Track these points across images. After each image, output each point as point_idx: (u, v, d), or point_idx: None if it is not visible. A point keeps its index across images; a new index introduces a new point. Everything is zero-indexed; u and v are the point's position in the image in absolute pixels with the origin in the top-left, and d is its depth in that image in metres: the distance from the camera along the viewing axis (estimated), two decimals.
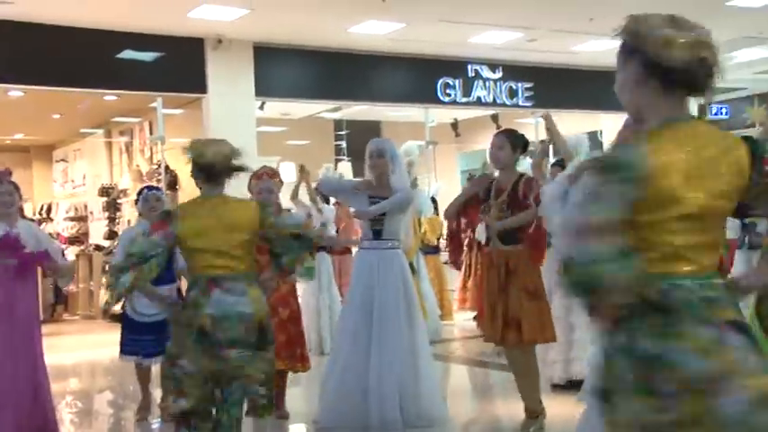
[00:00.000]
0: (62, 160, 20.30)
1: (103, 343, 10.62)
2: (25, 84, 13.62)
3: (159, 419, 7.65)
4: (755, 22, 14.57)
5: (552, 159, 9.17)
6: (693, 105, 6.52)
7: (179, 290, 7.69)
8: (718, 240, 2.90)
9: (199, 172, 5.32)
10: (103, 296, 16.51)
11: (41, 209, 19.68)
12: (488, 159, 7.60)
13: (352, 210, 7.75)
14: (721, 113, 18.14)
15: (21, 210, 7.40)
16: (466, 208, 7.09)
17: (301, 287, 9.38)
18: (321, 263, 10.89)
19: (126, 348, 7.65)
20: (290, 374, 7.40)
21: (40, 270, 7.27)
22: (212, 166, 5.27)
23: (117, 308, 10.38)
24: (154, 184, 12.66)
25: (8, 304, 6.74)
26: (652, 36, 2.79)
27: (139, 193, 8.00)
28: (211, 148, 5.34)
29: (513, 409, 7.31)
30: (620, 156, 2.73)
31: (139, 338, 7.54)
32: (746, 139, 2.94)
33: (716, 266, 2.84)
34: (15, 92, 14.44)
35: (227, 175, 5.35)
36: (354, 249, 11.53)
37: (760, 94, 16.28)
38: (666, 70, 2.78)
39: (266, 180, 7.28)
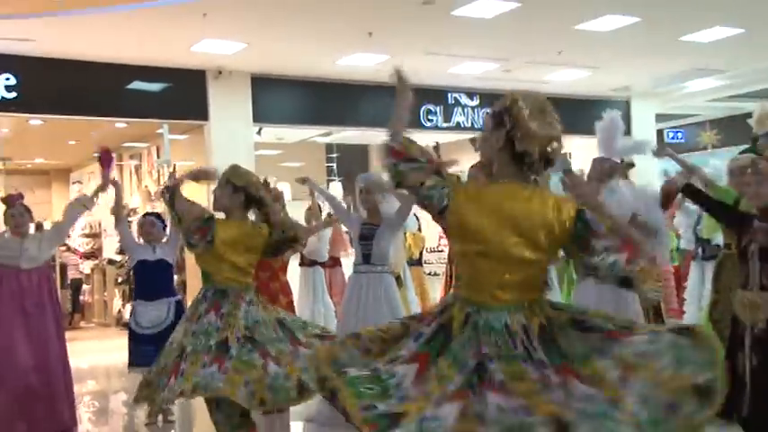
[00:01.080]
0: (78, 182, 20.38)
1: (117, 348, 10.62)
2: (45, 113, 13.73)
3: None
4: (706, 56, 14.66)
5: None
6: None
7: (180, 302, 7.64)
8: (524, 280, 3.29)
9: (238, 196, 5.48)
10: (117, 305, 16.52)
11: None
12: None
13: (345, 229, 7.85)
14: (677, 138, 18.41)
15: (38, 226, 7.69)
16: None
17: (298, 298, 9.38)
18: (315, 275, 11.02)
19: (137, 361, 7.55)
20: None
21: (58, 281, 7.45)
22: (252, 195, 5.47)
23: (127, 314, 10.46)
24: (159, 204, 12.57)
25: (36, 305, 7.31)
26: (520, 125, 3.27)
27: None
28: (254, 178, 5.59)
29: None
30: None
31: (144, 348, 7.42)
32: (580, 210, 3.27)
33: (520, 300, 3.26)
34: (36, 120, 14.50)
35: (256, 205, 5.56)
36: (344, 261, 11.57)
37: (711, 119, 16.38)
38: (520, 152, 3.30)
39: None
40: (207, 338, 5.09)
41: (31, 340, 7.26)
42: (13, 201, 7.54)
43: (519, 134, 3.26)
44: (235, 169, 5.54)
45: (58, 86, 13.00)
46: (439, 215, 3.39)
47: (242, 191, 5.43)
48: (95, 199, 7.86)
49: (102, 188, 7.80)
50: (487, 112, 3.45)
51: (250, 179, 5.51)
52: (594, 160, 6.19)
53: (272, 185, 9.05)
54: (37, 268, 7.39)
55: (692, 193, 5.60)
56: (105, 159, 7.74)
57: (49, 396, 7.32)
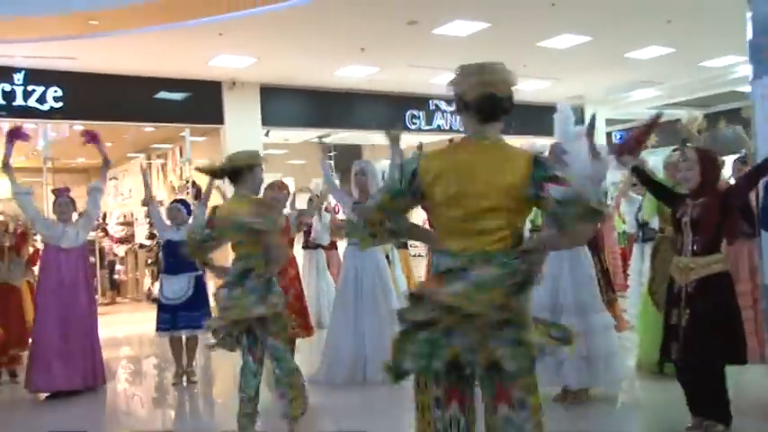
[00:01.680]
0: (113, 178, 20.22)
1: (147, 320, 10.60)
2: (85, 119, 13.56)
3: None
4: (647, 71, 14.84)
5: None
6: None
7: (199, 277, 7.67)
8: (483, 227, 2.93)
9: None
10: (147, 283, 16.54)
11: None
12: None
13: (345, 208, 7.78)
14: (623, 139, 18.55)
15: (80, 214, 7.85)
16: None
17: (303, 275, 9.40)
18: (317, 256, 11.13)
19: (160, 327, 7.65)
20: (297, 341, 7.29)
21: (98, 262, 7.53)
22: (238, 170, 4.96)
23: (156, 291, 10.47)
24: (183, 196, 12.63)
25: (72, 281, 7.45)
26: (458, 81, 3.03)
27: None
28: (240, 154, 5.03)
29: None
30: (405, 159, 3.15)
31: (170, 316, 7.55)
32: (537, 159, 2.97)
33: (481, 248, 2.91)
34: (78, 126, 14.36)
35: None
36: (340, 244, 11.60)
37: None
38: (465, 104, 3.01)
39: (277, 191, 7.28)
40: None
41: (64, 306, 7.37)
42: (60, 193, 7.79)
43: (461, 89, 3.03)
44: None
45: (96, 97, 13.11)
46: (415, 196, 3.07)
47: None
48: (105, 180, 8.35)
49: (105, 162, 8.07)
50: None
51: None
52: (552, 145, 6.28)
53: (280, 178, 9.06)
54: (75, 248, 7.53)
55: (639, 174, 5.56)
56: (89, 137, 8.11)
57: (77, 354, 7.40)
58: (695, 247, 4.94)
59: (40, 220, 7.58)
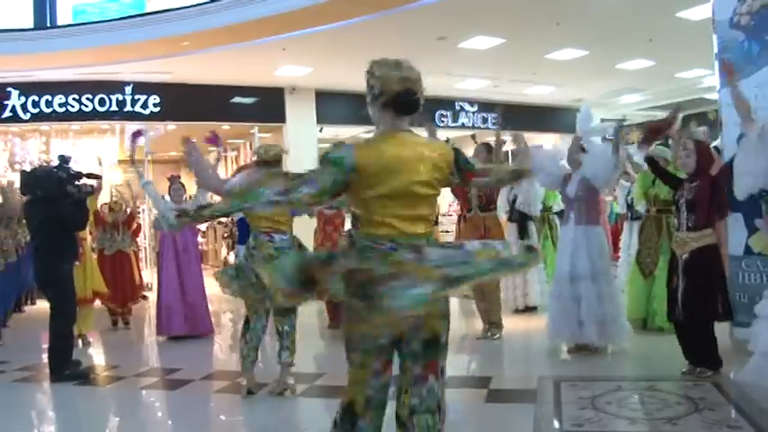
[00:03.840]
0: None
1: None
2: (176, 120, 13.92)
3: None
4: (633, 79, 14.75)
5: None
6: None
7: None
8: (422, 214, 2.68)
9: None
10: (223, 252, 16.78)
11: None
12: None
13: None
14: (609, 134, 18.46)
15: (190, 197, 8.23)
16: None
17: None
18: None
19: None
20: None
21: None
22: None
23: (231, 259, 10.62)
24: None
25: (184, 248, 7.83)
26: (379, 74, 2.72)
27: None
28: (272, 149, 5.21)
29: (474, 325, 7.32)
30: (334, 153, 2.61)
31: None
32: (455, 149, 2.85)
33: (421, 233, 2.65)
34: (171, 125, 14.67)
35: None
36: None
37: (636, 123, 16.70)
38: (384, 99, 2.69)
39: None
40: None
41: (180, 270, 7.77)
42: (174, 179, 8.16)
43: (381, 82, 2.71)
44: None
45: (186, 102, 13.34)
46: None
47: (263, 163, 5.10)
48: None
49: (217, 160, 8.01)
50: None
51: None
52: (573, 138, 6.36)
53: None
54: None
55: (651, 163, 5.62)
56: (212, 139, 8.02)
57: (192, 307, 7.82)
58: (689, 224, 5.01)
59: (160, 203, 7.78)
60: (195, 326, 7.84)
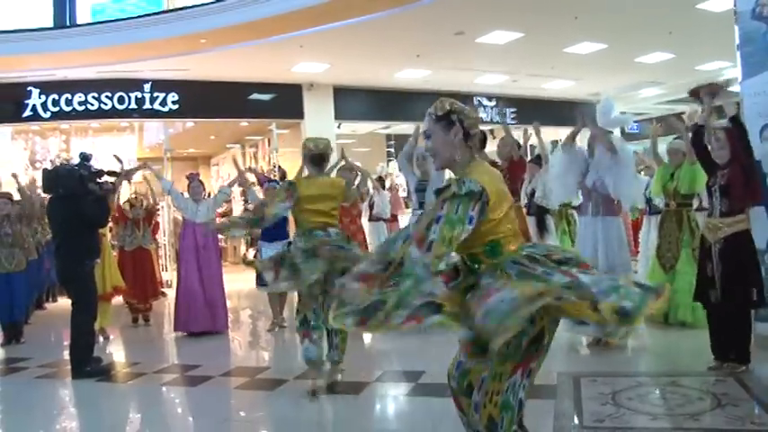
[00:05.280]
0: (216, 165, 20.64)
1: (243, 279, 10.89)
2: (195, 117, 14.07)
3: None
4: (652, 73, 14.70)
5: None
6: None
7: (291, 243, 7.81)
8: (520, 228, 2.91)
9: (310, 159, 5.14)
10: (242, 249, 16.85)
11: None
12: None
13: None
14: (633, 129, 18.36)
15: (209, 194, 8.16)
16: None
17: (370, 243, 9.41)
18: (380, 228, 10.92)
19: (259, 282, 7.82)
20: None
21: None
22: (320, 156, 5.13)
23: (250, 256, 10.67)
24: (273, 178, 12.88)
25: (204, 246, 7.87)
26: (467, 117, 2.84)
27: (261, 184, 8.49)
28: (322, 142, 5.19)
29: None
30: (471, 186, 2.62)
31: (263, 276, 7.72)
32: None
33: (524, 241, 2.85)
34: (190, 123, 14.79)
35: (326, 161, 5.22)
36: (400, 218, 11.66)
37: (656, 117, 16.58)
38: (471, 136, 2.85)
39: (346, 173, 7.55)
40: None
41: (200, 268, 7.82)
42: (192, 177, 8.21)
43: (471, 123, 2.85)
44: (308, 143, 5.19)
45: (204, 99, 13.41)
46: None
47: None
48: (232, 189, 8.73)
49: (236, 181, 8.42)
50: (433, 116, 2.88)
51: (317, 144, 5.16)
52: (592, 128, 6.32)
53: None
54: (206, 222, 7.86)
55: (697, 133, 5.28)
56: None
57: (211, 304, 7.85)
58: (723, 209, 4.93)
59: (181, 201, 7.93)
60: (213, 323, 7.87)
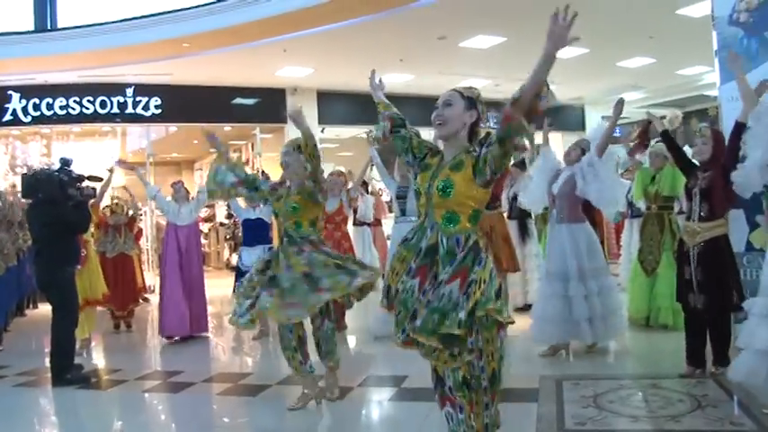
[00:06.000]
0: (199, 169, 20.52)
1: (226, 284, 10.80)
2: (178, 122, 14.03)
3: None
4: (634, 77, 14.80)
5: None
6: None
7: (272, 248, 7.75)
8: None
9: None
10: (226, 254, 16.78)
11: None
12: None
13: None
14: (617, 132, 18.47)
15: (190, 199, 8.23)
16: None
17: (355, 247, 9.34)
18: (364, 232, 10.90)
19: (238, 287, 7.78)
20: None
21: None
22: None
23: (234, 261, 10.63)
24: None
25: (186, 249, 7.86)
26: (484, 110, 3.28)
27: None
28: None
29: None
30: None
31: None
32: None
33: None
34: (173, 127, 14.73)
35: None
36: (384, 222, 11.64)
37: (638, 120, 16.69)
38: (477, 130, 3.24)
39: (336, 177, 7.77)
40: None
41: (182, 270, 7.78)
42: (176, 183, 8.24)
43: (484, 109, 3.28)
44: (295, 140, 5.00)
45: (187, 104, 13.36)
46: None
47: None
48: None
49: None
50: (460, 93, 3.25)
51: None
52: (579, 140, 6.29)
53: (334, 168, 9.18)
54: (188, 225, 7.89)
55: (667, 139, 5.36)
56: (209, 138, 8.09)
57: (192, 308, 7.84)
58: (702, 213, 4.91)
59: (164, 204, 7.95)
60: (195, 327, 7.87)
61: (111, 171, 8.07)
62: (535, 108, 2.89)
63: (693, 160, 5.30)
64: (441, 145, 3.34)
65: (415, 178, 3.28)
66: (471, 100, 3.22)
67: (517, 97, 2.87)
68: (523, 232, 8.28)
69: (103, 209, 8.94)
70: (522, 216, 8.20)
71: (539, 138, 6.82)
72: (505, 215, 8.24)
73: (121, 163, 8.47)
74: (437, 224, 3.08)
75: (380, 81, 4.05)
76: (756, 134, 4.41)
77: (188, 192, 8.26)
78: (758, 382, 4.11)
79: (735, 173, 4.53)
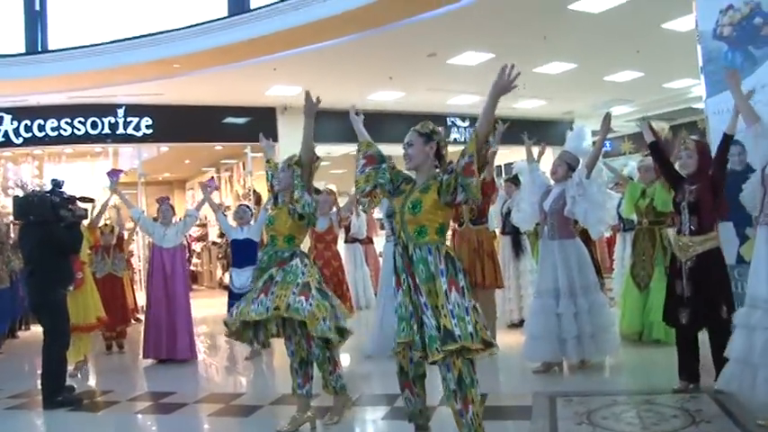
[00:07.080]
0: (191, 188, 20.50)
1: (219, 304, 10.69)
2: (169, 142, 13.96)
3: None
4: (622, 91, 14.85)
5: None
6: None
7: None
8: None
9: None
10: (218, 273, 16.71)
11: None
12: None
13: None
14: (607, 147, 18.56)
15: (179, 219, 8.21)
16: None
17: (345, 265, 9.29)
18: (356, 250, 10.94)
19: (232, 311, 7.69)
20: None
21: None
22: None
23: (226, 280, 10.58)
24: (246, 202, 12.78)
25: (172, 271, 7.74)
26: (441, 138, 3.82)
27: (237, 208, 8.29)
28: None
29: None
30: None
31: (233, 302, 7.56)
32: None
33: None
34: (164, 147, 14.68)
35: None
36: (375, 240, 11.63)
37: (628, 134, 16.58)
38: (442, 156, 3.81)
39: (326, 196, 7.68)
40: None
41: (167, 293, 7.68)
42: (162, 201, 8.13)
43: (443, 144, 3.81)
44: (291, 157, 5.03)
45: (178, 123, 13.34)
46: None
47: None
48: (199, 210, 8.50)
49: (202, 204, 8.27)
50: (417, 132, 3.79)
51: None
52: (561, 152, 6.22)
53: (324, 186, 9.15)
54: (173, 247, 7.79)
55: (655, 150, 5.27)
56: (112, 173, 8.03)
57: (174, 331, 7.69)
58: (692, 227, 4.85)
59: (150, 227, 7.88)
60: (180, 351, 7.68)
61: (113, 192, 7.93)
62: (484, 156, 3.52)
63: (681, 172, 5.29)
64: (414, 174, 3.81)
65: (391, 202, 3.82)
66: (428, 135, 3.76)
67: (473, 138, 3.48)
68: (517, 248, 8.26)
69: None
70: (515, 232, 8.18)
71: (521, 154, 6.80)
72: (498, 231, 8.22)
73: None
74: (410, 236, 3.59)
75: (358, 113, 4.58)
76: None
77: (174, 211, 8.18)
78: (734, 389, 4.12)
79: (743, 192, 4.56)
